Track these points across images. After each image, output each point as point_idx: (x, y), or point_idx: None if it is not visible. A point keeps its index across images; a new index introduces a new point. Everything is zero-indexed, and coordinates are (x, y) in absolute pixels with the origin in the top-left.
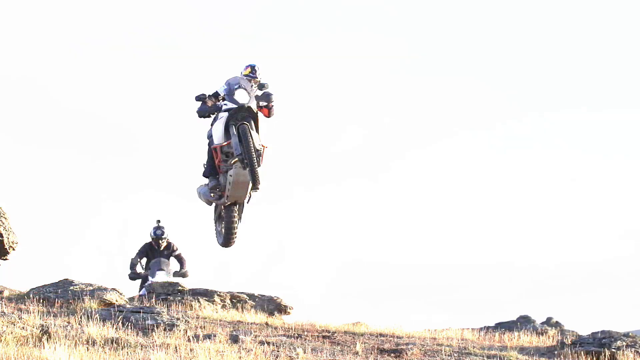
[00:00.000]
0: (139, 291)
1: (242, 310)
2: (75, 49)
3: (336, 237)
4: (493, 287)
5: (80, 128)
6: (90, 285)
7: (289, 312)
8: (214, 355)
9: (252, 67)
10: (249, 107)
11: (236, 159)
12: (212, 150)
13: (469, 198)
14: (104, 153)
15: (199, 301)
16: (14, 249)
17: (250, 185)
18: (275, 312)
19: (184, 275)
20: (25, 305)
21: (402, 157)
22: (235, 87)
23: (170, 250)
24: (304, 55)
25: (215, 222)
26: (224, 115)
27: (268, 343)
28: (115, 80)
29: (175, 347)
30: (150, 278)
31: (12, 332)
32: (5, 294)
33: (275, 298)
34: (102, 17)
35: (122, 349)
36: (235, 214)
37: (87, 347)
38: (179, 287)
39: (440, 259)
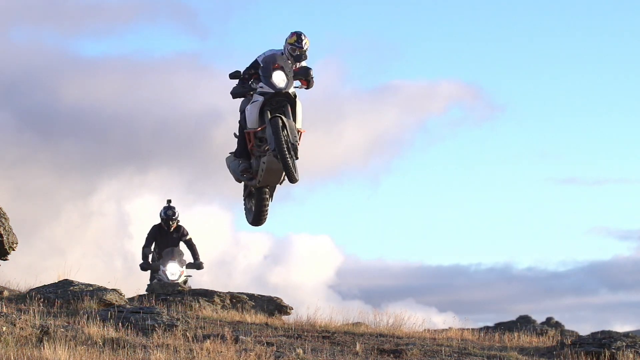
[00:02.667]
0: (150, 282)
1: (242, 311)
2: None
3: (337, 237)
4: (493, 287)
5: (81, 128)
6: (90, 285)
7: (289, 312)
8: (214, 356)
9: (299, 35)
10: (286, 93)
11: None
12: (244, 134)
13: (469, 198)
14: (104, 153)
15: (198, 301)
16: (14, 249)
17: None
18: (275, 312)
19: (199, 266)
20: (25, 305)
21: (403, 157)
22: (273, 66)
23: (180, 234)
24: None
25: (244, 199)
26: (258, 99)
27: (268, 343)
28: (115, 80)
29: (175, 348)
30: (162, 268)
31: (12, 332)
32: (5, 294)
33: (275, 298)
34: None
35: (122, 349)
36: (267, 194)
37: (87, 348)
38: (179, 288)
39: (440, 259)
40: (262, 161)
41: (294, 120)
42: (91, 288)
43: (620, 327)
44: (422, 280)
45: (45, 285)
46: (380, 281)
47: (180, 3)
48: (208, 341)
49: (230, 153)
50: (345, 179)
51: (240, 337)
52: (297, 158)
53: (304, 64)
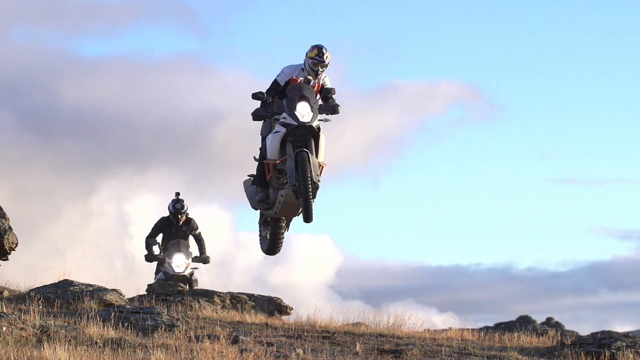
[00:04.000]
0: (155, 275)
1: (242, 311)
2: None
3: (337, 237)
4: (493, 287)
5: (81, 128)
6: (90, 285)
7: (289, 312)
8: (214, 356)
9: (320, 49)
10: (310, 126)
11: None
12: (263, 162)
13: (469, 198)
14: (104, 153)
15: (198, 302)
16: (14, 249)
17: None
18: (275, 313)
19: (205, 260)
20: (25, 305)
21: (403, 157)
22: (298, 96)
23: (189, 227)
24: None
25: (260, 227)
26: (281, 130)
27: (268, 343)
28: (115, 80)
29: (175, 348)
30: (167, 260)
31: (12, 332)
32: (5, 294)
33: (275, 298)
34: None
35: (122, 349)
36: (283, 224)
37: (87, 348)
38: (179, 288)
39: (440, 259)
40: (280, 194)
41: (317, 154)
42: (91, 288)
43: (620, 327)
44: (422, 280)
45: (45, 285)
46: (380, 281)
47: (180, 3)
48: (208, 341)
49: (248, 176)
50: (345, 179)
51: (240, 337)
52: (314, 197)
53: (326, 80)
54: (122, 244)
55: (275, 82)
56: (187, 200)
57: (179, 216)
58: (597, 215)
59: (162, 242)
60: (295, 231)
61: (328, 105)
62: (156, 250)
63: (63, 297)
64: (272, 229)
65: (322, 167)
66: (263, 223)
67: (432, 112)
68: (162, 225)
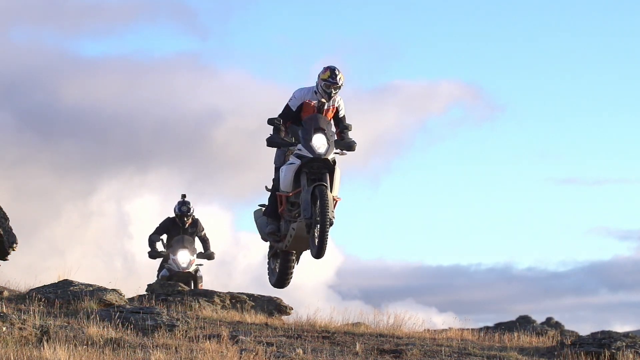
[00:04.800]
0: (159, 272)
1: (242, 311)
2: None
3: (337, 237)
4: (493, 287)
5: (81, 128)
6: (90, 285)
7: (288, 313)
8: (214, 356)
9: (332, 71)
10: (326, 159)
11: (300, 215)
12: (276, 193)
13: (469, 198)
14: (104, 153)
15: (198, 302)
16: (14, 249)
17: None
18: (275, 313)
19: (209, 256)
20: (25, 305)
21: (403, 157)
22: (314, 127)
23: (195, 229)
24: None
25: (269, 259)
26: (295, 162)
27: (268, 343)
28: (115, 80)
29: (175, 348)
30: (171, 257)
31: (12, 333)
32: (5, 294)
33: (275, 298)
34: None
35: (122, 349)
36: (293, 257)
37: (87, 348)
38: (179, 288)
39: (440, 259)
40: (292, 227)
41: (331, 188)
42: (91, 288)
43: (620, 327)
44: (422, 280)
45: (45, 285)
46: (380, 281)
47: (180, 3)
48: (208, 341)
49: (259, 206)
50: (345, 179)
51: (240, 337)
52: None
53: (341, 104)
54: (122, 244)
55: (287, 107)
56: (188, 199)
57: (185, 219)
58: (597, 215)
59: (166, 240)
60: None
61: (344, 141)
62: (160, 247)
63: (63, 297)
64: (282, 262)
65: (336, 201)
66: (272, 255)
67: (432, 112)
68: (167, 226)
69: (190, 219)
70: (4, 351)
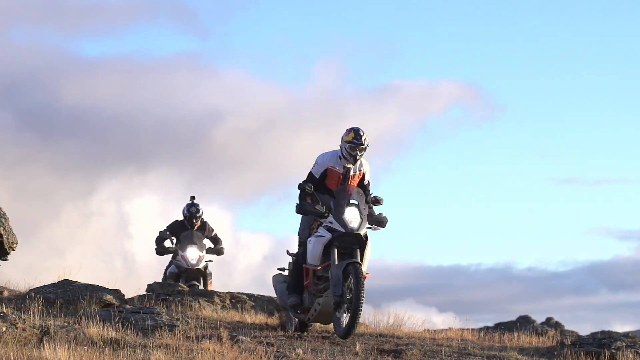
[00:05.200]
0: (167, 269)
1: (242, 311)
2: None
3: None
4: (493, 287)
5: (81, 128)
6: (90, 285)
7: None
8: (214, 356)
9: (357, 132)
10: (358, 235)
11: (328, 290)
12: (301, 266)
13: (469, 198)
14: (104, 153)
15: (198, 302)
16: (14, 249)
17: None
18: (275, 313)
19: (219, 252)
20: (25, 305)
21: (403, 157)
22: (347, 201)
23: (204, 231)
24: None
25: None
26: (326, 236)
27: (268, 343)
28: (115, 80)
29: (175, 348)
30: (180, 253)
31: (12, 332)
32: (5, 294)
33: (275, 298)
34: None
35: (122, 349)
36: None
37: (87, 348)
38: (179, 288)
39: (440, 259)
40: (317, 302)
41: (361, 264)
42: (91, 288)
43: (620, 327)
44: (422, 280)
45: (45, 285)
46: (380, 281)
47: (180, 3)
48: (208, 341)
49: (278, 270)
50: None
51: (240, 337)
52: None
53: (366, 169)
54: (122, 244)
55: (310, 175)
56: (187, 200)
57: (194, 220)
58: (597, 215)
59: (175, 241)
60: (296, 231)
61: (376, 217)
62: (167, 243)
63: (63, 297)
64: (300, 326)
65: (365, 277)
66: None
67: (432, 112)
68: (176, 228)
69: (199, 222)
70: (4, 351)
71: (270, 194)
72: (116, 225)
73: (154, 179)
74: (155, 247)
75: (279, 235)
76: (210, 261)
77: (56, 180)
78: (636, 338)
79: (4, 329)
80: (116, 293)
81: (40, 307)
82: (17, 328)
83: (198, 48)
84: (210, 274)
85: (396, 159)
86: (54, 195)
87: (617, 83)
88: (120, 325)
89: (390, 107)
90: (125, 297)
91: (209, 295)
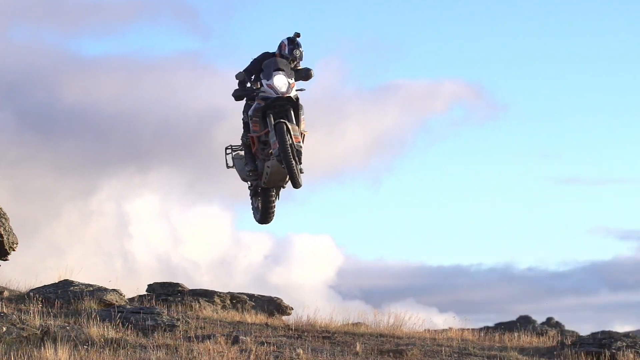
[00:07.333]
0: (245, 112)
1: (242, 311)
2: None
3: (337, 238)
4: (494, 287)
5: (81, 128)
6: (90, 285)
7: (289, 313)
8: (214, 356)
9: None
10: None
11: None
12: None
13: (470, 198)
14: (104, 153)
15: (199, 302)
16: (14, 250)
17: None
18: (275, 313)
19: (307, 75)
20: (25, 305)
21: (405, 156)
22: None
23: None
24: None
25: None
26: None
27: (268, 343)
28: (116, 80)
29: (175, 348)
30: (265, 83)
31: (12, 332)
32: (5, 294)
33: (275, 298)
34: None
35: (122, 349)
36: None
37: (87, 348)
38: (179, 288)
39: (441, 259)
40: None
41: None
42: (91, 288)
43: (621, 327)
44: (423, 280)
45: (45, 285)
46: (381, 281)
47: (181, 2)
48: (208, 341)
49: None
50: (346, 179)
51: (240, 337)
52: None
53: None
54: (122, 244)
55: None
56: (187, 200)
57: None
58: (598, 215)
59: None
60: (296, 231)
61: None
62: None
63: (63, 297)
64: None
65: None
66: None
67: (433, 112)
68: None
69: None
70: (4, 351)
71: None
72: (116, 225)
73: (154, 179)
74: (236, 88)
75: (280, 235)
76: (302, 89)
77: (56, 179)
78: (636, 338)
79: (4, 329)
80: (116, 293)
81: (40, 307)
82: (17, 328)
83: (199, 47)
84: (302, 106)
85: (397, 158)
86: (54, 195)
87: (618, 84)
88: (120, 325)
89: (391, 106)
90: (126, 297)
91: (209, 295)
